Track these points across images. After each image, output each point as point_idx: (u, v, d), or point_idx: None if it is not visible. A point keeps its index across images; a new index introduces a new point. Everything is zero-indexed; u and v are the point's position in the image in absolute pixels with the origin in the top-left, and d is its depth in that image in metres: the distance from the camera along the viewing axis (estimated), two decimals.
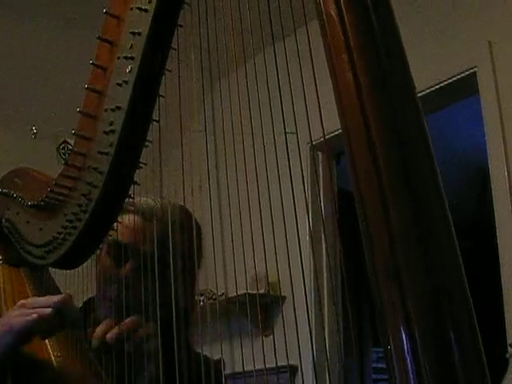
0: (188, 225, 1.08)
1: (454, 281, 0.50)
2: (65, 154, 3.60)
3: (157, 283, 0.96)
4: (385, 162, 0.51)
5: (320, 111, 0.65)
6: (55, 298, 1.01)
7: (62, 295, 1.03)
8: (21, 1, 3.40)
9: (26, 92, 3.56)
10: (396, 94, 0.53)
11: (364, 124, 0.52)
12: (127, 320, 1.03)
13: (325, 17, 0.55)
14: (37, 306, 0.99)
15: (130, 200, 1.12)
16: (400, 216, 0.50)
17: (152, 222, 1.03)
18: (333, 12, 0.54)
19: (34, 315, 0.97)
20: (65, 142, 3.62)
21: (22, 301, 1.03)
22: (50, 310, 0.98)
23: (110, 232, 1.06)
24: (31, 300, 1.04)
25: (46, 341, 1.09)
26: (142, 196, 1.13)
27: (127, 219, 1.12)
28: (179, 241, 0.98)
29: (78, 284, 1.15)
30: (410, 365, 0.48)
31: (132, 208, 1.12)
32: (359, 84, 0.53)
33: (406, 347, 0.48)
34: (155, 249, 0.99)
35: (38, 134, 2.97)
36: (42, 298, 1.03)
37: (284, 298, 3.12)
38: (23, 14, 3.46)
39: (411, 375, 0.48)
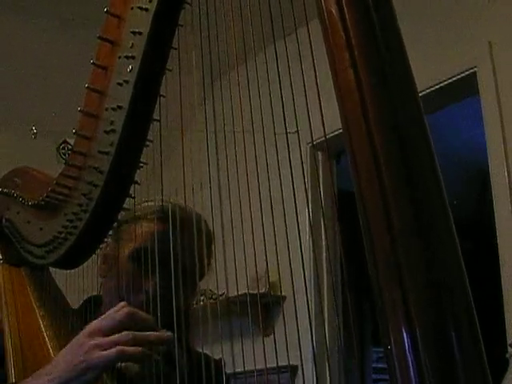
0: (207, 233, 1.08)
1: (454, 276, 0.50)
2: (65, 154, 3.61)
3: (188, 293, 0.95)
4: (386, 158, 0.52)
5: (321, 110, 0.65)
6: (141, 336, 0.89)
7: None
8: (21, 1, 3.40)
9: (26, 92, 3.56)
10: (397, 91, 0.54)
11: (365, 121, 0.53)
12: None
13: (325, 14, 0.55)
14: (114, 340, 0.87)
15: (150, 204, 1.11)
16: (401, 211, 0.51)
17: (183, 232, 0.98)
18: (334, 10, 0.54)
19: (114, 350, 0.85)
20: (65, 141, 3.63)
21: (92, 329, 0.90)
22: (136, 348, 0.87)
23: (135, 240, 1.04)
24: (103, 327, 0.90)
25: (49, 346, 1.08)
26: (147, 198, 1.12)
27: (157, 226, 1.08)
28: (201, 248, 0.98)
29: (79, 284, 1.16)
30: (410, 361, 0.48)
31: (161, 215, 1.07)
32: (360, 82, 0.53)
33: (406, 343, 0.48)
34: (186, 259, 0.96)
35: (37, 134, 2.98)
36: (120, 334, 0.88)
37: (284, 297, 3.13)
38: (23, 14, 3.47)
39: (412, 371, 0.48)
